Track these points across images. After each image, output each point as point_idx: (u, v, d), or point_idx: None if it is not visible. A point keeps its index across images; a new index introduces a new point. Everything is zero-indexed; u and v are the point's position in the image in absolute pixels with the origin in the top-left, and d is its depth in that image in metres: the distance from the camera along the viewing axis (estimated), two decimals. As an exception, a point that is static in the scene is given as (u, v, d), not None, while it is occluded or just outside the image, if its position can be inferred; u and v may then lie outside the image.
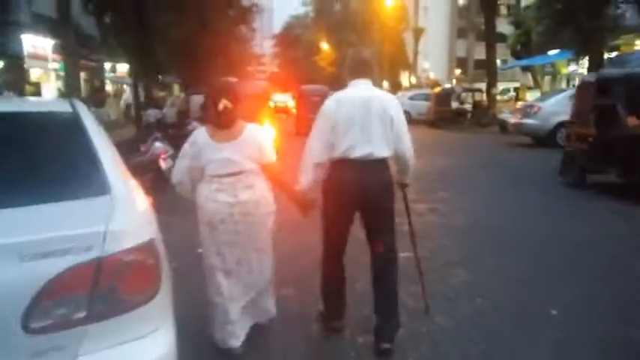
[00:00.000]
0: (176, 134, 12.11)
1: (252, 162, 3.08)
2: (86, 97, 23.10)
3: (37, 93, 19.80)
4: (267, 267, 3.24)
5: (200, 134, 3.13)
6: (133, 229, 1.79)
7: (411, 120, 25.10)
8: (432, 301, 3.65)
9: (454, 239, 5.58)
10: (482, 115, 21.53)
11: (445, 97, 22.81)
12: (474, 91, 24.70)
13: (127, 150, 7.59)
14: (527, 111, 14.44)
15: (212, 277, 3.10)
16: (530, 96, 25.35)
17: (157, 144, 7.48)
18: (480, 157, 12.90)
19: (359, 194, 3.09)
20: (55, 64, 21.02)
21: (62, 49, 11.97)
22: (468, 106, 23.26)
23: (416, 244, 3.68)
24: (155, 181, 7.26)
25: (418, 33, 45.68)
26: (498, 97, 24.11)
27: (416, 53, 46.02)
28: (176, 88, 38.04)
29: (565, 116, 13.78)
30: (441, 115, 22.11)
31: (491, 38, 23.83)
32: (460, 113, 22.59)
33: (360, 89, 3.18)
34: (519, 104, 17.68)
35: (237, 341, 3.11)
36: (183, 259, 3.38)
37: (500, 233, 5.79)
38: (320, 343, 3.34)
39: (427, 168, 10.54)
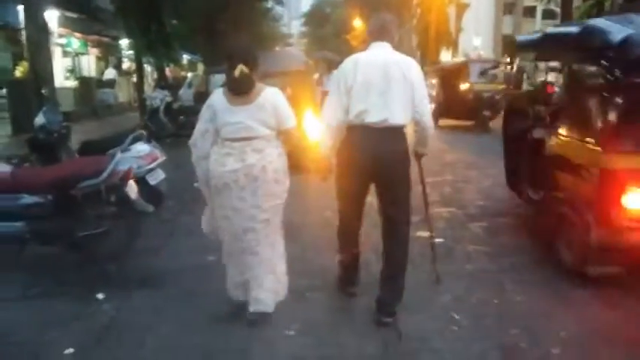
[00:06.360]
0: (187, 123, 8.99)
1: (266, 128, 3.00)
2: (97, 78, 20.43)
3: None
4: (274, 241, 3.15)
5: (217, 96, 3.07)
6: None
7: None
8: None
9: None
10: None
11: (516, 77, 19.11)
12: (552, 70, 20.88)
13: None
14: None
15: (223, 239, 3.19)
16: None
17: (135, 150, 4.28)
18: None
19: (373, 164, 3.01)
20: (62, 40, 18.68)
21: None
22: (539, 89, 19.59)
23: (430, 217, 3.69)
24: (123, 216, 4.05)
25: (461, 8, 42.10)
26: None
27: (458, 30, 42.63)
28: (200, 68, 35.35)
29: None
30: (510, 99, 18.50)
31: (568, 8, 20.35)
32: (533, 97, 18.92)
33: (380, 52, 3.10)
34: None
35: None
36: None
37: None
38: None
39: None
